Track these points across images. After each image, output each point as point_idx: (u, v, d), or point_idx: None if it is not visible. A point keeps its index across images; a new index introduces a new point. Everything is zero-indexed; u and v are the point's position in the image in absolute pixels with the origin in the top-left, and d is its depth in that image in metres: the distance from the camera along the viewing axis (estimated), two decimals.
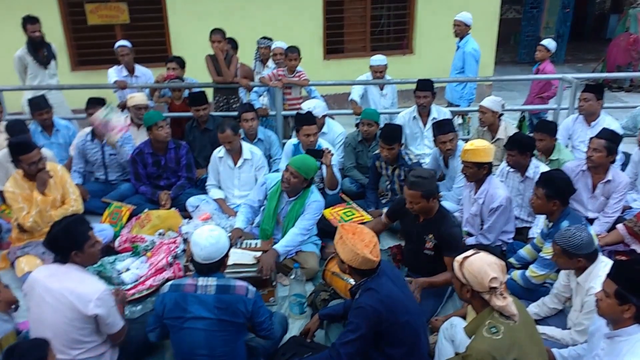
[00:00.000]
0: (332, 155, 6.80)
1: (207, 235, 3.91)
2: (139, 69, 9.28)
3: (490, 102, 7.37)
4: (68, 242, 3.97)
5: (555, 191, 5.00)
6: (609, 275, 3.46)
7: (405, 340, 3.85)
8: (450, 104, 9.68)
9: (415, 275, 5.11)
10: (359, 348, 3.77)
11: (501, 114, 7.44)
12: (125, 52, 8.97)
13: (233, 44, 9.32)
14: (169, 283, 4.06)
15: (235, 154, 6.93)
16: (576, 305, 4.44)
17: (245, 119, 7.40)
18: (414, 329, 3.91)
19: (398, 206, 5.48)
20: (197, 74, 9.35)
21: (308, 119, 6.92)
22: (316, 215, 5.87)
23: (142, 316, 4.86)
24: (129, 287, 5.36)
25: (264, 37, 9.73)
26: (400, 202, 5.39)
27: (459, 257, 3.63)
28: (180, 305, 3.86)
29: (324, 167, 6.88)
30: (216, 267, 3.97)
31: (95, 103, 7.37)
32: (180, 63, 8.97)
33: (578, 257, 4.20)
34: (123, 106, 8.46)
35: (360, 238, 3.85)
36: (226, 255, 4.05)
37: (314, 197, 5.86)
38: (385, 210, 5.78)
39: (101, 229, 6.21)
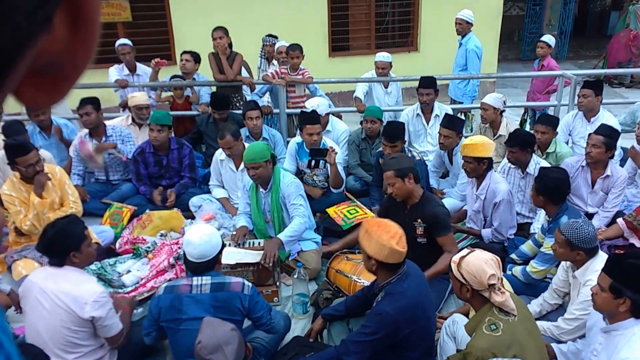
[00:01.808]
0: (336, 154, 6.78)
1: (200, 234, 3.91)
2: (141, 67, 9.16)
3: (491, 99, 7.39)
4: (66, 244, 3.94)
5: (544, 188, 5.08)
6: (603, 270, 3.48)
7: (422, 344, 3.88)
8: (453, 101, 9.68)
9: None
10: (371, 349, 3.79)
11: (502, 111, 7.44)
12: (126, 51, 8.84)
13: None
14: (164, 285, 4.06)
15: (237, 158, 6.79)
16: (573, 298, 4.47)
17: (249, 117, 7.35)
18: (430, 333, 3.95)
19: (387, 202, 5.50)
20: (201, 72, 9.31)
21: (313, 118, 6.88)
22: (300, 194, 5.83)
23: (143, 319, 4.79)
24: (129, 289, 5.36)
25: (269, 35, 9.70)
26: (388, 200, 5.40)
27: (456, 258, 3.65)
28: (175, 307, 3.86)
29: (328, 166, 6.88)
30: (211, 265, 3.97)
31: (87, 103, 7.20)
32: (195, 57, 8.87)
33: (579, 250, 4.24)
34: (124, 105, 8.43)
35: (386, 230, 3.83)
36: (220, 253, 4.04)
37: (287, 180, 5.83)
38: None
39: (101, 231, 6.20)
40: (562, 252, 4.37)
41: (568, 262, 4.52)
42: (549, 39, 9.64)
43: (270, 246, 5.41)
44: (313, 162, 6.79)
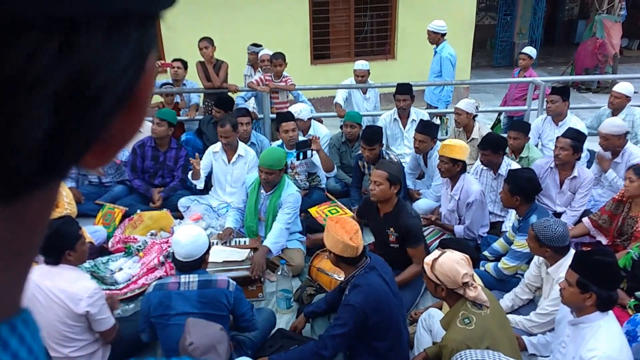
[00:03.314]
0: (318, 138, 6.96)
1: (186, 235, 3.94)
2: None
3: (464, 104, 7.43)
4: (61, 243, 3.93)
5: (518, 188, 5.12)
6: (570, 266, 3.52)
7: (389, 334, 3.91)
8: (429, 106, 9.71)
9: None
10: (345, 341, 3.85)
11: (475, 115, 7.49)
12: None
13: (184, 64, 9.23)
14: (154, 283, 4.09)
15: (231, 150, 6.89)
16: (545, 293, 4.51)
17: (240, 122, 7.32)
18: (397, 323, 3.98)
19: (364, 204, 5.56)
20: (189, 78, 9.30)
21: (287, 117, 7.05)
22: (295, 207, 5.87)
23: (135, 314, 4.82)
24: (121, 286, 5.34)
25: (253, 44, 9.70)
26: (367, 201, 5.46)
27: (428, 260, 3.68)
28: (164, 303, 3.87)
29: (315, 161, 7.00)
30: (197, 264, 3.99)
31: None
32: (184, 64, 8.93)
33: (546, 247, 4.29)
34: None
35: (342, 226, 3.91)
36: (207, 253, 4.06)
37: (290, 190, 5.86)
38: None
39: (95, 231, 6.17)
40: (532, 247, 4.47)
41: (541, 258, 4.57)
42: (530, 50, 9.65)
43: (258, 258, 5.39)
44: (301, 155, 6.86)
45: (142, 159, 7.21)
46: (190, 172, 6.95)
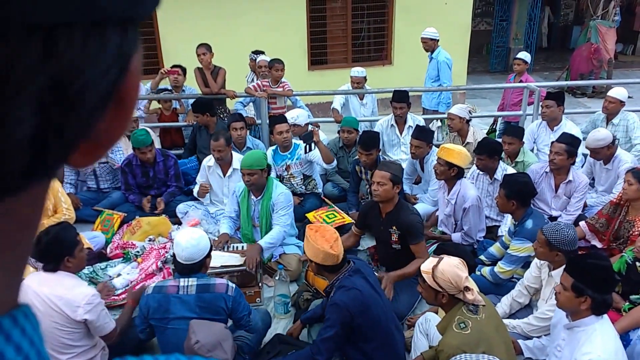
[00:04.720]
0: (319, 127, 7.21)
1: (188, 237, 3.92)
2: None
3: (457, 109, 7.50)
4: (60, 249, 3.91)
5: (514, 192, 5.10)
6: (565, 270, 3.51)
7: (377, 335, 3.90)
8: (426, 111, 9.71)
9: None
10: (337, 343, 3.83)
11: (468, 120, 7.50)
12: None
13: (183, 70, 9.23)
14: (152, 285, 4.07)
15: (225, 164, 6.83)
16: (545, 296, 4.49)
17: (234, 128, 7.34)
18: (385, 324, 3.97)
19: (363, 211, 5.56)
20: (189, 85, 9.29)
21: (279, 118, 7.09)
22: (289, 206, 5.87)
23: (133, 319, 4.82)
24: (120, 291, 5.34)
25: (254, 51, 9.67)
26: (365, 207, 5.47)
27: (427, 269, 3.66)
28: (163, 307, 3.87)
29: (312, 158, 6.98)
30: (197, 267, 3.98)
31: None
32: (183, 70, 8.92)
33: (557, 251, 4.27)
34: None
35: (322, 234, 3.91)
36: (207, 256, 4.05)
37: (279, 190, 5.85)
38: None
39: (93, 236, 6.16)
40: (541, 252, 4.41)
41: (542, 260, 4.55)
42: (524, 55, 9.64)
43: (252, 252, 5.42)
44: (308, 147, 6.85)
45: (133, 176, 7.18)
46: (196, 192, 6.97)
